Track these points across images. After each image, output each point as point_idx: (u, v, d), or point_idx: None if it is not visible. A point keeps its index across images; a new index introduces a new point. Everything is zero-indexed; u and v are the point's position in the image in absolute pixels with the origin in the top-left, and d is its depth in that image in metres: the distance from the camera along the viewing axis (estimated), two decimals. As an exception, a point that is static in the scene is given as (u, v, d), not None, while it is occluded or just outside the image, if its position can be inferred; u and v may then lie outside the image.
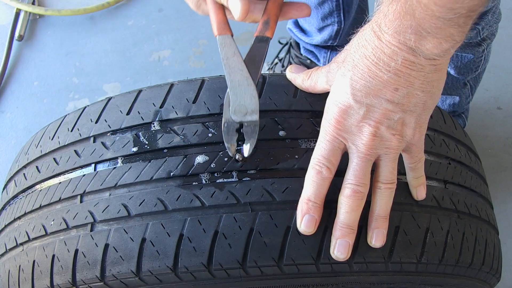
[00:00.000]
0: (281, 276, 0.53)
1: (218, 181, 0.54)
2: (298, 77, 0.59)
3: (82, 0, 1.79)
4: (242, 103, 0.54)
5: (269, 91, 0.58)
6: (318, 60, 1.33)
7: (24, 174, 0.67)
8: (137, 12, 1.76)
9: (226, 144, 0.54)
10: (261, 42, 0.58)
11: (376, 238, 0.53)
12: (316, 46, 1.29)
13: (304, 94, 0.59)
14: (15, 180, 0.69)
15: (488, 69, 1.17)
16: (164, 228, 0.53)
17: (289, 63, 1.42)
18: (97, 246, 0.54)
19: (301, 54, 1.36)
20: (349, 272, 0.55)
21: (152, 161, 0.56)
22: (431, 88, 0.51)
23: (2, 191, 0.76)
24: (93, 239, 0.55)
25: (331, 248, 0.52)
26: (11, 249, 0.64)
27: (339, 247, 0.52)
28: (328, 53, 1.29)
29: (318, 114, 0.58)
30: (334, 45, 1.26)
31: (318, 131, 0.54)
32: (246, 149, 0.54)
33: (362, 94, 0.51)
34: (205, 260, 0.52)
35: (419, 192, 0.58)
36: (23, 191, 0.66)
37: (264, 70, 1.49)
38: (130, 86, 1.62)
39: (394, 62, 0.49)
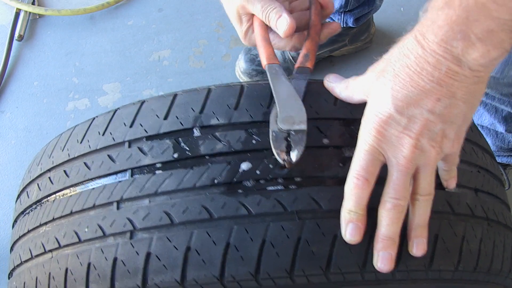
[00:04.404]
0: (327, 285, 0.50)
1: (264, 188, 0.50)
2: (336, 87, 0.56)
3: (82, 0, 1.73)
4: (290, 115, 0.52)
5: (310, 99, 0.55)
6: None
7: (49, 178, 0.62)
8: (137, 12, 1.70)
9: (274, 151, 0.51)
10: (303, 72, 0.59)
11: (417, 247, 0.51)
12: None
13: (344, 102, 0.56)
14: (38, 184, 0.64)
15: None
16: (209, 236, 0.49)
17: None
18: (138, 254, 0.50)
19: None
20: (392, 281, 0.52)
21: (194, 168, 0.52)
22: (472, 100, 0.49)
23: (20, 194, 0.71)
24: (133, 247, 0.51)
25: (374, 261, 0.50)
26: (38, 255, 0.59)
27: (383, 259, 0.49)
28: (342, 15, 1.34)
29: (359, 122, 0.55)
30: (346, 11, 1.31)
31: None
32: (294, 155, 0.50)
33: (404, 105, 0.48)
34: (252, 269, 0.48)
35: (450, 183, 0.56)
36: (49, 195, 0.62)
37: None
38: (130, 86, 1.57)
39: (438, 72, 0.46)
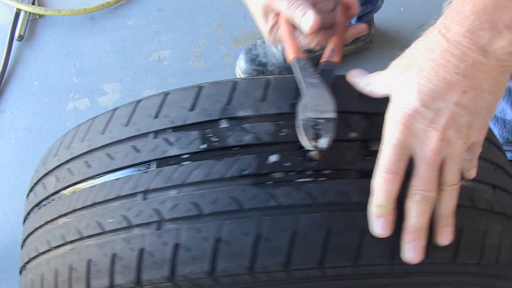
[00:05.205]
0: (356, 277, 0.50)
1: (293, 180, 0.50)
2: (359, 82, 0.56)
3: (82, 0, 1.71)
4: (318, 104, 0.52)
5: (336, 92, 0.55)
6: None
7: (68, 169, 0.61)
8: (137, 12, 1.68)
9: (304, 137, 0.50)
10: (329, 66, 0.60)
11: (444, 237, 0.51)
12: None
13: (368, 96, 0.56)
14: (56, 175, 0.63)
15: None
16: (240, 227, 0.48)
17: None
18: (165, 245, 0.49)
19: None
20: (418, 273, 0.52)
21: (223, 159, 0.51)
22: (497, 90, 0.49)
23: (34, 186, 0.69)
24: (160, 238, 0.50)
25: (404, 253, 0.49)
26: (57, 246, 0.58)
27: (413, 251, 0.49)
28: None
29: (383, 117, 0.54)
30: None
31: None
32: (324, 141, 0.50)
33: (429, 98, 0.48)
34: (283, 260, 0.47)
35: (471, 173, 0.56)
36: (68, 186, 0.60)
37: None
38: (130, 86, 1.55)
39: (464, 64, 0.46)
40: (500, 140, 1.19)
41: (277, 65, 1.42)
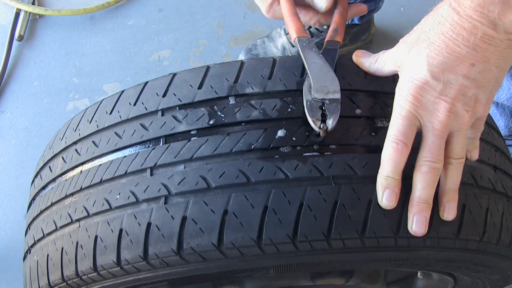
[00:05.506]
0: (361, 249, 0.50)
1: (300, 154, 0.50)
2: (365, 62, 0.57)
3: (82, 0, 1.72)
4: (323, 85, 0.53)
5: (341, 72, 0.56)
6: None
7: (76, 150, 0.61)
8: (137, 12, 1.69)
9: (310, 119, 0.51)
10: (332, 45, 0.60)
11: (449, 211, 0.52)
12: None
13: (373, 76, 0.56)
14: (63, 157, 0.63)
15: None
16: (247, 199, 0.48)
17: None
18: (173, 218, 0.50)
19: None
20: (423, 247, 0.52)
21: (231, 134, 0.51)
22: (504, 64, 0.50)
23: (41, 170, 0.69)
24: (168, 211, 0.50)
25: (409, 224, 0.50)
26: (63, 226, 0.58)
27: (418, 223, 0.50)
28: None
29: (388, 95, 0.55)
30: None
31: (390, 111, 0.52)
32: (330, 122, 0.51)
33: (439, 71, 0.49)
34: (290, 231, 0.48)
35: (474, 154, 0.57)
36: (75, 167, 0.60)
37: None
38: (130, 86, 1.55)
39: (474, 37, 0.47)
40: (506, 132, 1.19)
41: (277, 65, 1.43)
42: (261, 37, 1.47)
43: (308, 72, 0.54)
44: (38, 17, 1.69)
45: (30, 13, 1.67)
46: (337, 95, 0.52)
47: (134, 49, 1.62)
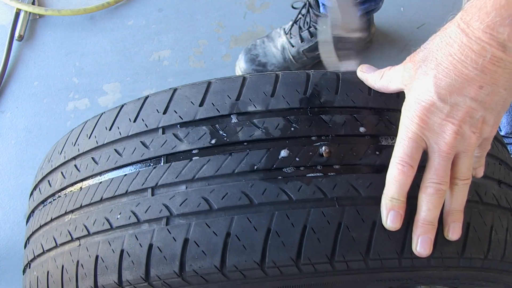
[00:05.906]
0: (365, 271, 0.49)
1: (303, 175, 0.49)
2: (370, 78, 0.56)
3: (82, 0, 1.70)
4: (347, 21, 0.54)
5: (345, 88, 0.54)
6: None
7: (75, 165, 0.60)
8: (137, 12, 1.68)
9: (334, 55, 0.51)
10: None
11: (453, 231, 0.51)
12: None
13: (378, 92, 0.55)
14: (62, 172, 0.62)
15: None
16: (250, 222, 0.48)
17: (308, 24, 1.38)
18: (175, 240, 0.49)
19: (320, 13, 1.33)
20: (427, 267, 0.51)
21: (233, 154, 0.50)
22: None
23: (39, 184, 0.68)
24: (170, 233, 0.49)
25: (414, 245, 0.49)
26: (63, 243, 0.57)
27: (422, 244, 0.49)
28: None
29: (392, 112, 0.54)
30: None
31: (395, 128, 0.51)
32: (356, 64, 0.50)
33: (447, 92, 0.48)
34: (294, 254, 0.47)
35: (479, 172, 0.56)
36: (75, 183, 0.59)
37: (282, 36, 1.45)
38: (130, 86, 1.54)
39: (483, 59, 0.46)
40: (509, 129, 1.18)
41: (277, 65, 1.42)
42: (261, 37, 1.46)
43: (336, 10, 0.55)
44: (38, 17, 1.68)
45: (30, 13, 1.65)
46: (360, 34, 0.54)
47: (134, 49, 1.60)
